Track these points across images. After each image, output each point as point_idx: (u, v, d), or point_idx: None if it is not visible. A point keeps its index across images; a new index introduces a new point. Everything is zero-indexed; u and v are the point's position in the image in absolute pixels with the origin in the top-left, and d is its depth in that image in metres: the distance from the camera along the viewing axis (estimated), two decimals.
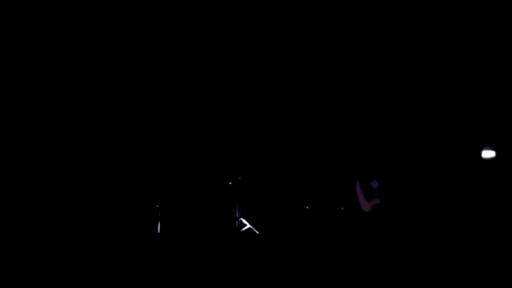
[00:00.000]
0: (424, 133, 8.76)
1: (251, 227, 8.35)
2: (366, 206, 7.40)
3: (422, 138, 8.70)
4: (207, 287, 6.46)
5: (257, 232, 8.32)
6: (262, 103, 8.87)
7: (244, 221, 8.42)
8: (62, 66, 8.23)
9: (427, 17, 8.62)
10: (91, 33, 8.20)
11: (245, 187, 8.66)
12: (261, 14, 8.54)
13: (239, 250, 7.71)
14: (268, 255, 7.58)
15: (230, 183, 8.59)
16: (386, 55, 8.80)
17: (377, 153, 7.92)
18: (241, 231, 8.37)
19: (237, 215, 8.50)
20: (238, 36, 8.61)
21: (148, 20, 8.32)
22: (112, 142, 8.44)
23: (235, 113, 8.89)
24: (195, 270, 6.97)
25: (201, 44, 8.58)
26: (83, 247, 7.51)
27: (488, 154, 8.53)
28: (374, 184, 7.45)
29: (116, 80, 8.43)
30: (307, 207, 8.47)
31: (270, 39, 8.68)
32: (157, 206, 8.33)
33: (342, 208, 8.19)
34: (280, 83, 8.86)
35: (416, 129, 8.75)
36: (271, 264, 7.35)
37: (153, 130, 8.58)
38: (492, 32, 8.55)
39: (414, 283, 6.97)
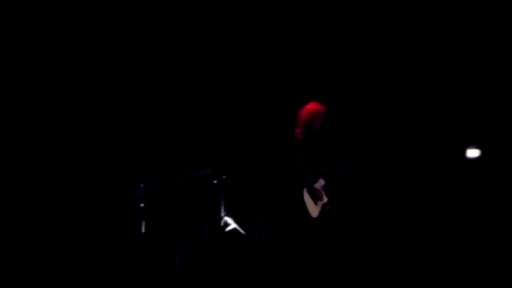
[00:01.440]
0: (411, 131, 8.82)
1: (236, 226, 8.31)
2: (314, 211, 7.51)
3: (409, 135, 8.77)
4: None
5: (242, 232, 8.29)
6: (251, 102, 8.90)
7: (229, 221, 8.38)
8: (59, 64, 8.18)
9: (404, 13, 8.69)
10: (88, 31, 8.16)
11: (230, 186, 8.63)
12: (247, 15, 8.57)
13: (224, 250, 7.70)
14: (254, 255, 7.57)
15: (215, 181, 8.55)
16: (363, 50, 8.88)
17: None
18: (226, 231, 8.34)
19: (222, 215, 8.47)
20: (230, 35, 8.63)
21: (141, 18, 8.30)
22: (104, 141, 8.38)
23: (220, 111, 8.90)
24: (180, 271, 6.96)
25: (190, 42, 8.57)
26: (69, 248, 7.44)
27: (472, 153, 8.57)
28: (320, 183, 7.51)
29: (113, 79, 8.39)
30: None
31: (265, 39, 8.72)
32: (142, 205, 8.26)
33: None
34: (267, 81, 8.89)
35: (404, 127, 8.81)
36: (257, 265, 7.35)
37: (143, 128, 8.54)
38: (469, 30, 8.61)
39: (407, 281, 7.04)
